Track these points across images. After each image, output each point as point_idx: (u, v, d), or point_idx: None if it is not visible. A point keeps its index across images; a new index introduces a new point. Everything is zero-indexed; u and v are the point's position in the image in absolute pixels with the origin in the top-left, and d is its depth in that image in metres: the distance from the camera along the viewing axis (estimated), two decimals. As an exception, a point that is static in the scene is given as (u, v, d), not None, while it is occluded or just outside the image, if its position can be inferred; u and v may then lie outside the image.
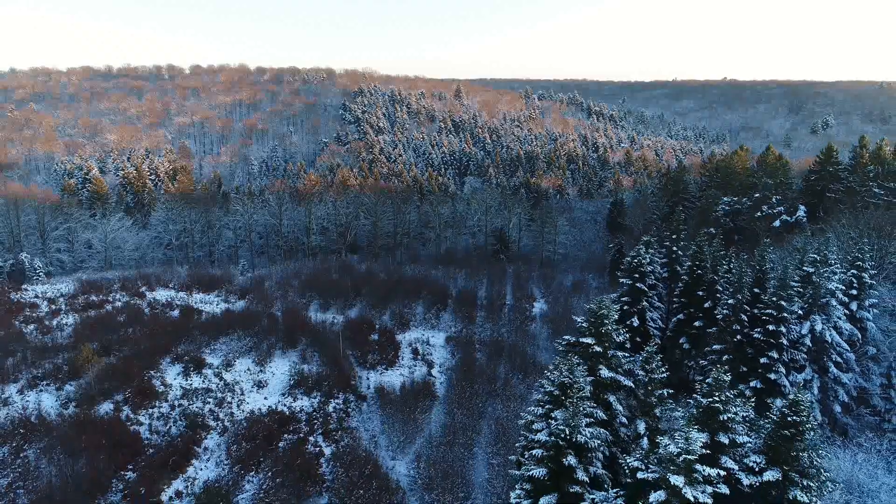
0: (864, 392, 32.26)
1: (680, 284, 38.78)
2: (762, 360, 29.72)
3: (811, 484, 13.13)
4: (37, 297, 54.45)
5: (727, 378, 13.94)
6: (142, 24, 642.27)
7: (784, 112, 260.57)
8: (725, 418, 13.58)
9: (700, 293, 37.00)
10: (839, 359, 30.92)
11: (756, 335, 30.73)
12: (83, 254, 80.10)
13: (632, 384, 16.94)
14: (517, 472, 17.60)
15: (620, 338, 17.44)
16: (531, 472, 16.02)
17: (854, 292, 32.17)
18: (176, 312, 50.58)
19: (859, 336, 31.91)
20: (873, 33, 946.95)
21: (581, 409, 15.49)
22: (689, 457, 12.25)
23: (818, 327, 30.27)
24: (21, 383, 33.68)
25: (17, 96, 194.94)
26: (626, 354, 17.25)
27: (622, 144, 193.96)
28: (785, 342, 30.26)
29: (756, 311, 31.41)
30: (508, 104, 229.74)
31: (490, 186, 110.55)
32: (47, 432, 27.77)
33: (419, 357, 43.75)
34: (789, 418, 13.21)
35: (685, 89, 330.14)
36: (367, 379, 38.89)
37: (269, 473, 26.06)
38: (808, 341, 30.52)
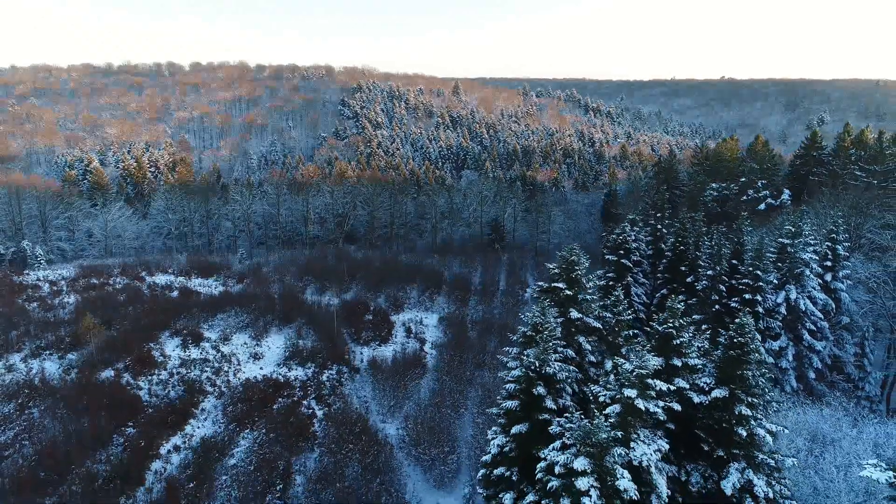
0: (838, 360, 33.45)
1: (664, 261, 39.93)
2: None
3: (756, 401, 14.30)
4: (39, 280, 55.64)
5: (680, 307, 15.14)
6: (142, 23, 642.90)
7: (780, 109, 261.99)
8: (678, 343, 14.76)
9: (683, 268, 38.14)
10: (813, 327, 32.10)
11: (733, 304, 31.92)
12: (84, 243, 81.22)
13: (600, 326, 18.10)
14: (494, 410, 18.79)
15: (590, 284, 18.62)
16: (505, 405, 17.22)
17: (829, 264, 33.34)
18: (175, 293, 51.76)
19: (833, 306, 33.08)
20: (871, 32, 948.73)
21: (551, 345, 16.67)
22: (643, 371, 13.41)
23: (793, 296, 31.44)
24: (24, 353, 34.86)
25: (18, 91, 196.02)
26: (596, 299, 18.42)
27: (618, 140, 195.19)
28: (761, 310, 31.46)
29: (734, 281, 32.65)
30: (506, 101, 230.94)
31: (486, 179, 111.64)
32: (51, 393, 28.92)
33: (412, 335, 44.87)
34: (736, 340, 14.39)
35: (683, 87, 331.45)
36: (361, 353, 40.05)
37: (264, 430, 27.23)
38: (783, 310, 31.69)
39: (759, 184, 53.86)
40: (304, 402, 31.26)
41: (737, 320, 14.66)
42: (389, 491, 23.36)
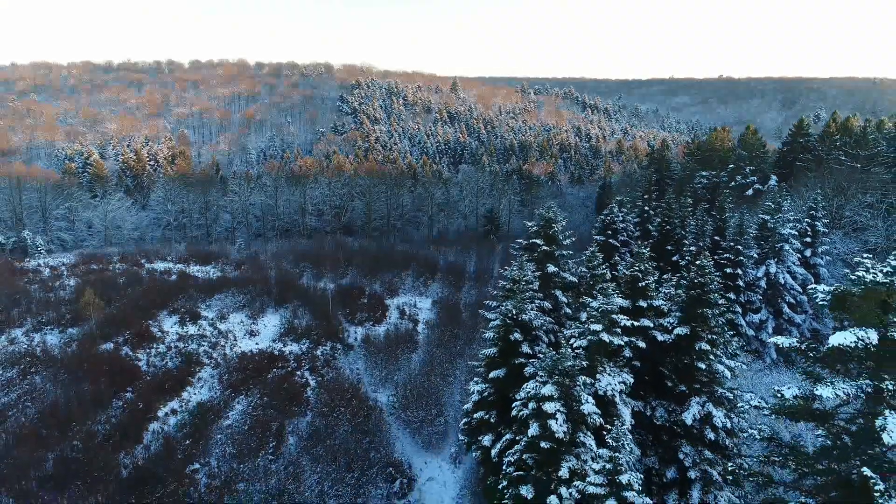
0: (818, 334, 34.33)
1: (650, 241, 40.85)
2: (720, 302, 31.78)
3: (715, 338, 15.22)
4: (40, 266, 56.54)
5: (645, 252, 16.07)
6: (142, 21, 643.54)
7: (777, 106, 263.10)
8: (644, 285, 15.69)
9: (669, 248, 39.11)
10: (792, 300, 33.04)
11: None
12: (83, 233, 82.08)
13: (576, 280, 19.03)
14: (475, 363, 19.70)
15: (567, 241, 19.54)
16: (484, 353, 18.16)
17: (808, 240, 34.27)
18: (174, 277, 52.61)
19: (812, 280, 33.99)
20: (868, 31, 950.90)
21: (528, 294, 17.61)
22: (608, 308, 14.34)
23: (773, 270, 32.37)
24: (26, 327, 35.75)
25: (19, 88, 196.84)
26: (573, 253, 19.35)
27: (615, 136, 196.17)
28: (742, 284, 32.42)
29: (716, 256, 33.57)
30: (504, 98, 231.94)
31: (483, 172, 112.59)
32: (52, 363, 29.81)
33: (405, 316, 45.71)
34: (697, 280, 15.32)
35: (681, 85, 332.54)
36: (355, 332, 40.89)
37: (258, 396, 28.14)
38: (763, 284, 32.63)
39: (748, 170, 54.89)
40: (298, 372, 32.16)
41: (697, 262, 15.59)
42: (378, 449, 24.26)
